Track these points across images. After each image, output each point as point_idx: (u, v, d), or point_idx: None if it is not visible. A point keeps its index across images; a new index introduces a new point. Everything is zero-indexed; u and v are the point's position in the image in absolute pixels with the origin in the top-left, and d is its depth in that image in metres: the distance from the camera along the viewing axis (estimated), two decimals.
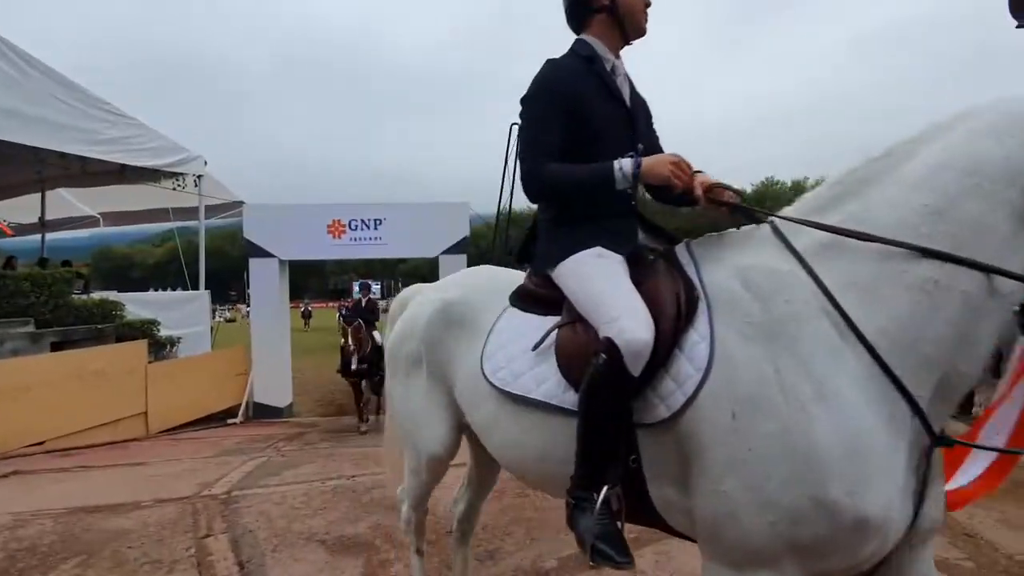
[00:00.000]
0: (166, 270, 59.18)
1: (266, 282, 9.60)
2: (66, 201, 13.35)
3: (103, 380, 7.75)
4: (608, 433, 1.41)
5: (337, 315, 20.72)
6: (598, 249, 1.60)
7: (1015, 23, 3.35)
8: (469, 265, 10.22)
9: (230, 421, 9.20)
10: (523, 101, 1.69)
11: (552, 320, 1.67)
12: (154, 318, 9.39)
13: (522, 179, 1.68)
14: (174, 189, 11.15)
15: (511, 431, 1.70)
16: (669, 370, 1.40)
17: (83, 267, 12.55)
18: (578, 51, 1.69)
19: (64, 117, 8.47)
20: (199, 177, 11.10)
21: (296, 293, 12.27)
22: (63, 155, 8.93)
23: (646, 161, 1.54)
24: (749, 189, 58.08)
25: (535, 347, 1.64)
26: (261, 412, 9.51)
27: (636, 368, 1.38)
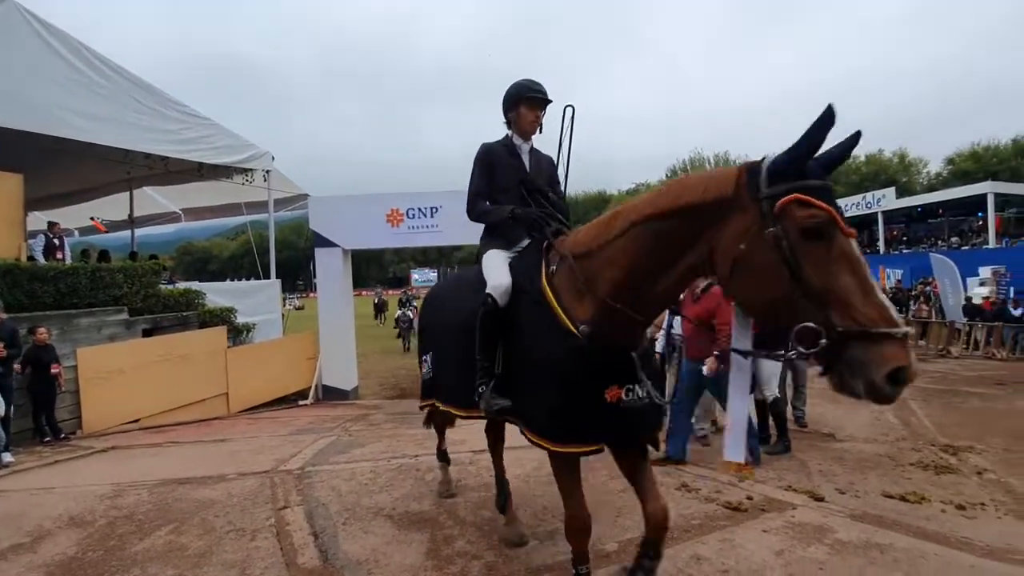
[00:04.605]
0: (240, 262, 62.78)
1: (331, 271, 10.01)
2: (150, 199, 14.39)
3: (189, 363, 8.37)
4: None
5: (400, 309, 17.42)
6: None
7: None
8: None
9: (301, 402, 9.72)
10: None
11: None
12: (231, 306, 10.01)
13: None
14: (243, 184, 11.78)
15: None
16: None
17: (167, 260, 13.53)
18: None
19: (147, 120, 9.13)
20: (267, 172, 11.67)
21: (356, 282, 12.75)
22: (148, 155, 9.62)
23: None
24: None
25: None
26: (329, 394, 9.98)
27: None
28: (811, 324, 1.51)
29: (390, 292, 28.09)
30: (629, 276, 2.03)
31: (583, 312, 2.17)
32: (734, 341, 2.03)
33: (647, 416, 2.27)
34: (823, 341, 1.49)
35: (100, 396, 7.29)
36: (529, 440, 2.33)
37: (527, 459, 4.72)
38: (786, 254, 1.55)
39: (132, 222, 13.93)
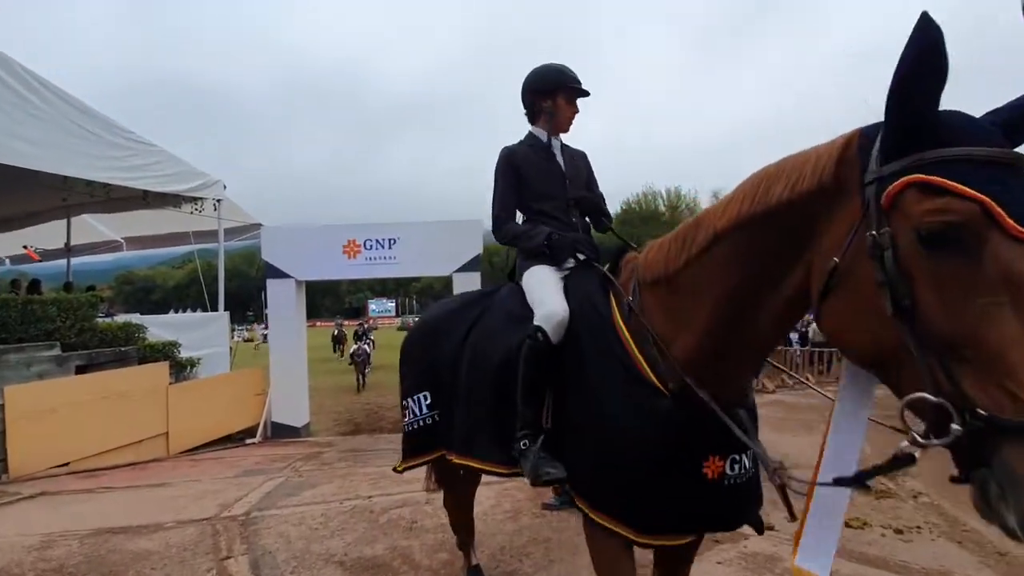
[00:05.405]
0: (186, 292, 60.25)
1: (283, 302, 9.74)
2: (90, 226, 13.72)
3: (126, 402, 7.89)
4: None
5: (356, 343, 15.35)
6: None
7: None
8: (483, 283, 10.28)
9: (249, 441, 9.28)
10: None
11: None
12: (175, 340, 9.56)
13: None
14: (191, 213, 11.41)
15: None
16: None
17: (105, 290, 12.85)
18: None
19: (88, 145, 8.75)
20: (218, 201, 11.37)
21: (311, 313, 12.48)
22: (89, 182, 9.21)
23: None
24: None
25: None
26: (279, 432, 9.58)
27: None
28: (929, 396, 0.89)
29: (348, 323, 27.49)
30: (723, 308, 1.41)
31: (670, 360, 1.56)
32: (841, 397, 1.41)
33: (753, 493, 1.71)
34: (955, 427, 0.86)
35: (29, 437, 6.76)
36: (589, 516, 1.69)
37: (483, 497, 4.66)
38: (890, 273, 0.94)
39: (69, 251, 13.22)
